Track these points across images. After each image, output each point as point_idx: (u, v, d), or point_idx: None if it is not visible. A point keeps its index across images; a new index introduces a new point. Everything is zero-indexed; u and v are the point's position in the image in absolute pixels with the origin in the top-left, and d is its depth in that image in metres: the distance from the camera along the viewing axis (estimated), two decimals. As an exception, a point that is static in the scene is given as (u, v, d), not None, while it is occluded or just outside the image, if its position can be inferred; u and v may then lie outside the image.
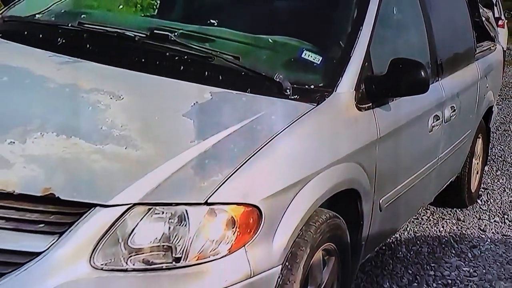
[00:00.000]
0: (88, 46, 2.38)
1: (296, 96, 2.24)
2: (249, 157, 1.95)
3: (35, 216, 1.78)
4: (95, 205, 1.78)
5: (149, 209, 1.81)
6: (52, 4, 2.71)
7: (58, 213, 1.78)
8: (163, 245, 1.80)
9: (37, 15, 2.65)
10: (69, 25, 2.48)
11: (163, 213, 1.81)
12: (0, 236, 1.75)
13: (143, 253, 1.79)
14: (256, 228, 1.89)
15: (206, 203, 1.83)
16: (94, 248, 1.75)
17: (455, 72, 3.40)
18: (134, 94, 2.20)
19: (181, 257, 1.79)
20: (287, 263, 2.00)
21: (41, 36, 2.44)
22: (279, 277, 1.97)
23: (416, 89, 2.55)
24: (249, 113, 2.13)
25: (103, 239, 1.76)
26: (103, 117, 2.04)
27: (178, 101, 2.18)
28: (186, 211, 1.81)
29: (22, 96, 2.15)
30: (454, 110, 3.27)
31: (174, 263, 1.79)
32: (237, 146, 2.00)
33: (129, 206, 1.79)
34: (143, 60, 2.32)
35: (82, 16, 2.60)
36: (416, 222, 3.80)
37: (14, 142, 1.91)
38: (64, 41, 2.39)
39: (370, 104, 2.47)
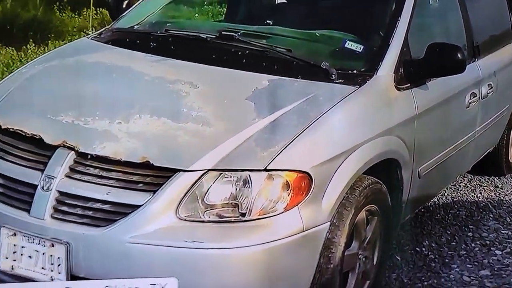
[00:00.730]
0: (172, 47, 2.95)
1: (341, 80, 2.65)
2: (301, 132, 2.39)
3: (136, 178, 2.30)
4: (179, 170, 2.26)
5: (220, 174, 2.28)
6: (146, 17, 3.32)
7: (152, 176, 2.29)
8: (231, 203, 2.27)
9: (135, 26, 3.23)
10: (158, 32, 3.05)
11: (231, 177, 2.28)
12: (112, 192, 2.28)
13: (216, 209, 2.27)
14: (308, 191, 2.32)
15: (265, 170, 2.28)
16: (179, 204, 2.24)
17: (492, 52, 3.69)
18: (208, 83, 2.69)
19: (246, 212, 2.25)
20: (334, 221, 2.41)
21: (138, 41, 3.01)
22: (327, 232, 2.39)
23: (452, 70, 2.91)
24: (301, 95, 2.57)
25: (185, 197, 2.25)
26: (184, 102, 2.55)
27: (241, 87, 2.65)
28: (249, 176, 2.27)
29: (126, 87, 2.70)
30: (491, 88, 3.57)
31: (240, 217, 2.25)
32: (291, 123, 2.44)
33: (204, 171, 2.27)
34: (213, 56, 2.83)
35: (168, 24, 3.16)
36: (454, 188, 4.04)
37: (121, 122, 2.44)
38: (155, 44, 2.95)
39: (409, 84, 2.85)
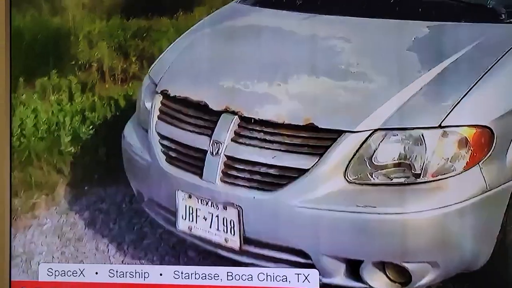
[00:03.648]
0: (319, 2, 2.81)
1: (512, 19, 2.41)
2: (475, 82, 2.22)
3: (300, 141, 2.27)
4: (345, 132, 2.20)
5: (388, 133, 2.18)
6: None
7: (316, 138, 2.25)
8: (402, 163, 2.17)
9: None
10: None
11: (400, 136, 2.17)
12: (277, 156, 2.28)
13: (385, 170, 2.19)
14: (489, 147, 2.16)
15: (440, 126, 2.15)
16: (347, 166, 2.19)
17: None
18: (361, 36, 2.56)
19: (420, 173, 2.15)
20: None
21: (284, 0, 2.90)
22: None
23: None
24: (468, 41, 2.36)
25: (353, 159, 2.19)
26: (340, 58, 2.45)
27: (399, 38, 2.49)
28: (422, 134, 2.15)
29: (279, 47, 2.63)
30: None
31: (414, 178, 2.15)
32: (461, 73, 2.26)
33: (371, 131, 2.18)
34: (363, 7, 2.67)
35: None
36: None
37: (280, 84, 2.41)
38: (301, 2, 2.83)
39: None
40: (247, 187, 2.32)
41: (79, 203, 3.09)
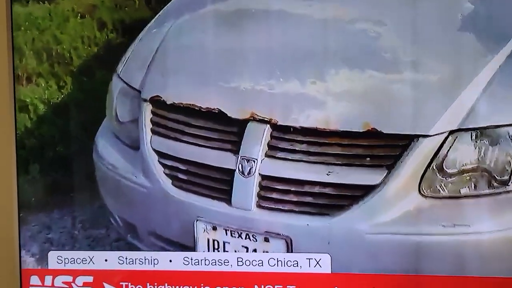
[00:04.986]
0: None
1: None
2: None
3: (361, 151, 1.85)
4: (417, 137, 1.81)
5: (465, 135, 1.82)
6: None
7: (381, 147, 1.84)
8: (484, 169, 1.82)
9: None
10: None
11: (481, 137, 1.82)
12: (334, 172, 1.86)
13: (462, 178, 1.83)
14: None
15: None
16: (421, 178, 1.81)
17: None
18: (393, 17, 2.12)
19: (509, 179, 1.81)
20: None
21: None
22: None
23: None
24: None
25: (429, 168, 1.81)
26: (380, 45, 2.01)
27: (442, 17, 2.11)
28: (509, 133, 1.81)
29: (294, 35, 2.14)
30: None
31: (503, 186, 1.81)
32: None
33: (446, 134, 1.81)
34: None
35: None
36: None
37: (315, 82, 1.95)
38: None
39: None
40: (296, 212, 1.88)
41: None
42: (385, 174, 1.81)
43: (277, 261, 1.86)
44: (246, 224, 1.91)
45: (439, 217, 1.79)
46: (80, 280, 1.97)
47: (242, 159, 1.93)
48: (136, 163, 2.17)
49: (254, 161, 1.91)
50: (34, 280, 2.00)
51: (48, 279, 1.98)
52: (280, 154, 1.91)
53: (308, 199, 1.87)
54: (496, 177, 1.81)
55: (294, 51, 2.10)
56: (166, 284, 1.92)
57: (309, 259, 1.83)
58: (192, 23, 2.41)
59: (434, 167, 1.82)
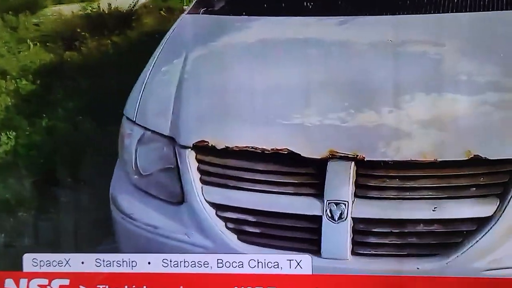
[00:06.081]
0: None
1: None
2: None
3: (466, 181, 1.70)
4: None
5: None
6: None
7: (485, 174, 1.70)
8: None
9: None
10: None
11: None
12: (440, 207, 1.69)
13: None
14: None
15: None
16: None
17: None
18: (453, 36, 2.03)
19: None
20: None
21: (284, 4, 2.27)
22: None
23: None
24: None
25: None
26: (448, 67, 1.90)
27: (492, 32, 2.03)
28: None
29: (344, 62, 1.99)
30: None
31: None
32: None
33: None
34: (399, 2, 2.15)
35: None
36: None
37: (392, 110, 1.78)
38: (312, 3, 2.22)
39: None
40: (400, 255, 1.69)
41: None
42: (497, 203, 1.67)
43: (258, 263, 1.75)
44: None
45: None
46: (56, 283, 1.89)
47: (329, 203, 1.71)
48: (184, 220, 1.88)
49: (344, 204, 1.70)
50: (9, 283, 1.91)
51: (23, 282, 1.90)
52: (371, 193, 1.72)
53: (413, 239, 1.68)
54: None
55: (350, 79, 1.93)
56: (144, 287, 1.83)
57: (290, 260, 1.73)
58: (215, 57, 2.19)
59: None
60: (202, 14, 2.40)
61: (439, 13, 2.11)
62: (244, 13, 2.31)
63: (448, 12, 2.11)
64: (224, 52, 2.19)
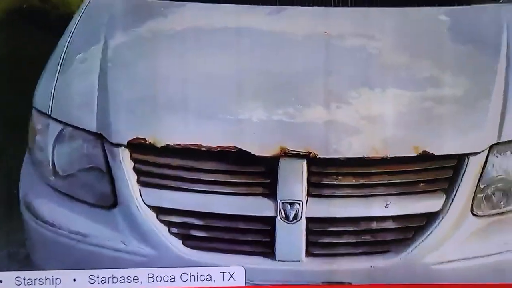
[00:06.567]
0: None
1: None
2: None
3: (415, 177, 1.71)
4: (468, 155, 1.72)
5: (503, 147, 1.77)
6: None
7: (431, 170, 1.72)
8: None
9: None
10: None
11: None
12: (392, 203, 1.68)
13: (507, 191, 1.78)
14: None
15: None
16: (473, 198, 1.73)
17: None
18: (388, 31, 2.02)
19: None
20: None
21: None
22: None
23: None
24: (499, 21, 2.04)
25: (478, 187, 1.74)
26: (388, 62, 1.89)
27: (431, 30, 2.02)
28: None
29: (279, 54, 1.91)
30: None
31: None
32: None
33: (487, 149, 1.75)
34: None
35: None
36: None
37: (339, 106, 1.74)
38: None
39: None
40: (355, 254, 1.67)
41: None
42: (444, 198, 1.70)
43: (190, 276, 1.71)
44: (297, 278, 1.64)
45: (496, 237, 1.73)
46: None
47: (283, 202, 1.65)
48: (119, 226, 1.73)
49: (299, 204, 1.65)
50: None
51: None
52: (325, 191, 1.67)
53: (367, 237, 1.67)
54: None
55: (294, 71, 1.86)
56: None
57: (223, 272, 1.70)
58: (142, 44, 2.01)
59: (480, 185, 1.76)
60: None
61: (366, 6, 2.10)
62: None
63: (374, 6, 2.10)
64: (152, 39, 2.02)
